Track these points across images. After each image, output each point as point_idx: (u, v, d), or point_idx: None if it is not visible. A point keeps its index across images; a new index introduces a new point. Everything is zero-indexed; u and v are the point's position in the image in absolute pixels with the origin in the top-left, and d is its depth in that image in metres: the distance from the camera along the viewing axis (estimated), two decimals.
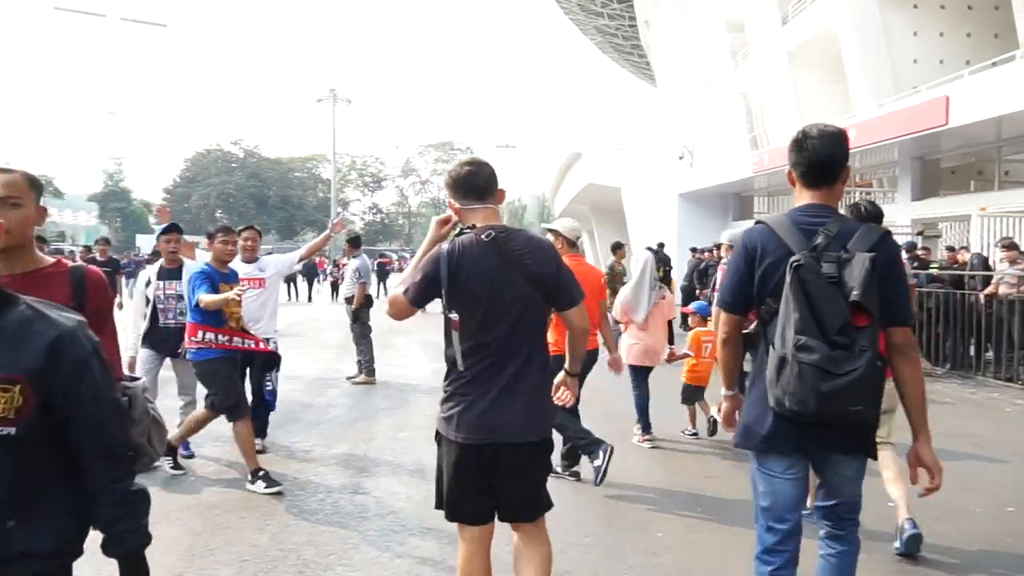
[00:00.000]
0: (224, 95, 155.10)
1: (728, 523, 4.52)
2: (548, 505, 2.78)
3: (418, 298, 2.70)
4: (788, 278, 2.32)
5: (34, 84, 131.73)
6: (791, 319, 2.30)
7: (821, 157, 2.49)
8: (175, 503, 4.73)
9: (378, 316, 4.14)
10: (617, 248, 13.31)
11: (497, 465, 2.62)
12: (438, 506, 2.78)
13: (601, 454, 4.78)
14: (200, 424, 5.18)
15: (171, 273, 5.66)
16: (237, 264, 5.73)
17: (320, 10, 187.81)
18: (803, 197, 2.55)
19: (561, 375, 2.98)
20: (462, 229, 2.78)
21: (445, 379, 2.75)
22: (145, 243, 60.27)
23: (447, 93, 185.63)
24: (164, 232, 5.79)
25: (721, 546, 4.19)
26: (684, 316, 11.24)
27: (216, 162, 73.71)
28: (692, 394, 6.59)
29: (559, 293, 2.71)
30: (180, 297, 5.52)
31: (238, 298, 4.81)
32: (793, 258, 2.33)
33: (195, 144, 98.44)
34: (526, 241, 2.70)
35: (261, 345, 5.37)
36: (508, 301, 2.61)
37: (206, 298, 4.82)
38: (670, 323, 6.54)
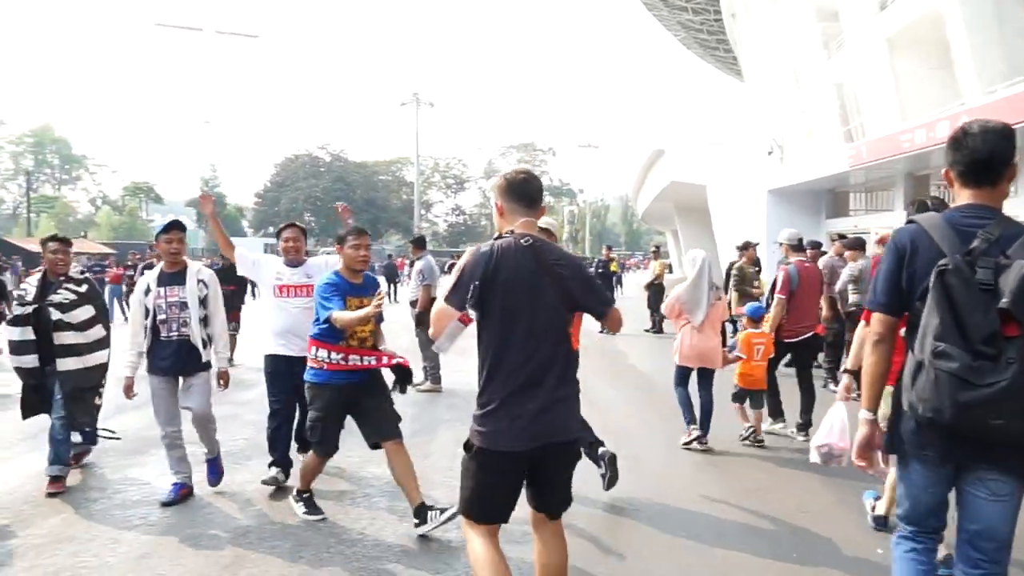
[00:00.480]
0: (312, 101, 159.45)
1: (840, 570, 3.84)
2: (570, 501, 2.92)
3: (462, 301, 2.67)
4: (932, 282, 2.20)
5: (137, 97, 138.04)
6: (931, 324, 2.20)
7: (982, 155, 2.32)
8: (206, 527, 4.39)
9: None
10: (746, 248, 12.17)
11: (541, 466, 2.73)
12: (464, 512, 2.79)
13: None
14: (312, 470, 4.55)
15: (172, 278, 4.83)
16: (280, 267, 5.29)
17: (402, 15, 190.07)
18: (962, 197, 2.39)
19: None
20: (500, 234, 2.84)
21: (481, 389, 2.73)
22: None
23: (529, 94, 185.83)
24: (164, 230, 4.87)
25: None
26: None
27: (304, 166, 75.62)
28: (742, 395, 6.34)
29: (596, 301, 2.87)
30: (184, 305, 4.82)
31: (377, 310, 4.03)
32: (940, 262, 2.20)
33: (285, 149, 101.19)
34: (559, 252, 2.84)
35: (384, 360, 4.42)
36: (542, 306, 2.68)
37: (341, 316, 4.09)
38: (723, 325, 6.20)
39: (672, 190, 30.75)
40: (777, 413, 6.62)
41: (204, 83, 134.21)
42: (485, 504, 2.73)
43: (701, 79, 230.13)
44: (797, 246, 6.78)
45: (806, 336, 6.56)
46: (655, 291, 15.58)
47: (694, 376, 6.10)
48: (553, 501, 2.82)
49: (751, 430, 6.25)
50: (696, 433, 6.02)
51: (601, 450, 4.73)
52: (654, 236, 64.19)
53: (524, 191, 2.83)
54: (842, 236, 9.11)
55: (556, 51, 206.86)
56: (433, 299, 8.78)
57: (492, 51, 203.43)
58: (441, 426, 7.10)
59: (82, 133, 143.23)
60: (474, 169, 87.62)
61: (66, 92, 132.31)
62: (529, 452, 2.64)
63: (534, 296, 2.65)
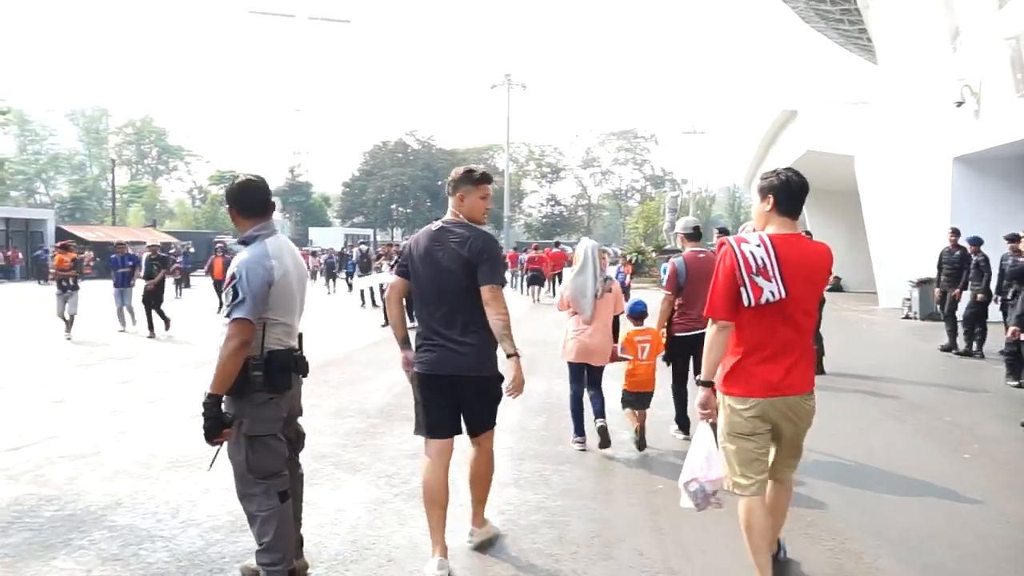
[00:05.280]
0: (403, 87, 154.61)
1: None
2: (493, 424, 3.88)
3: (398, 271, 3.91)
4: None
5: (230, 86, 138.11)
6: None
7: None
8: None
9: None
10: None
11: (458, 392, 3.69)
12: (416, 431, 3.80)
13: None
14: None
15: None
16: None
17: None
18: None
19: None
20: (432, 220, 3.94)
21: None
22: (318, 236, 59.98)
23: (630, 76, 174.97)
24: None
25: None
26: None
27: (392, 154, 72.78)
28: (628, 399, 6.05)
29: (483, 273, 3.64)
30: None
31: None
32: None
33: (375, 137, 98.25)
34: (464, 231, 3.72)
35: None
36: (445, 274, 3.66)
37: None
38: (616, 319, 6.00)
39: (806, 164, 24.80)
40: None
41: (295, 71, 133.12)
42: (426, 419, 3.76)
43: (824, 58, 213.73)
44: (692, 235, 6.32)
45: (699, 332, 5.55)
46: None
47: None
48: (472, 423, 3.79)
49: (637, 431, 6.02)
50: (579, 447, 5.93)
51: None
52: None
53: (468, 176, 3.83)
54: None
55: (660, 32, 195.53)
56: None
57: (590, 30, 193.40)
58: None
59: (180, 123, 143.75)
60: (571, 157, 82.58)
61: (166, 83, 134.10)
62: (446, 378, 3.66)
63: (438, 268, 3.68)
